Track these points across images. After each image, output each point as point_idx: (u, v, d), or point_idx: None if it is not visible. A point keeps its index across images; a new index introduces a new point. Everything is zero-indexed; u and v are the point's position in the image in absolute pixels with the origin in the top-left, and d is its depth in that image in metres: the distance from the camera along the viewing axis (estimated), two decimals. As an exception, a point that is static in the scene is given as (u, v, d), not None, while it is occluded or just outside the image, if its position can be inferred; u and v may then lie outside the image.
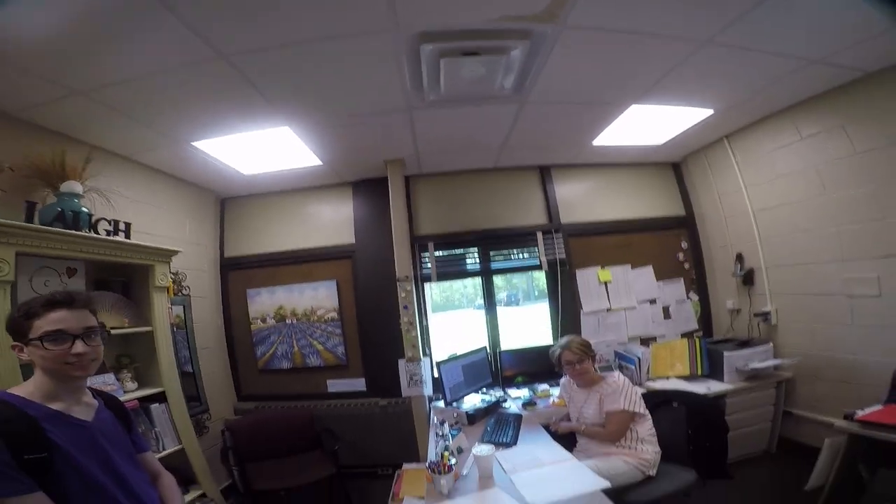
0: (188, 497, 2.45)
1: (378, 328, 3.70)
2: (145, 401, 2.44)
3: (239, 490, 3.09)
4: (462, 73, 2.17)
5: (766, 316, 3.39)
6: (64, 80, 2.02)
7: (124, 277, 2.61)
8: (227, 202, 4.05)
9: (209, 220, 3.90)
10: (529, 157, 3.83)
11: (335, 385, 3.78)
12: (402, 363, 3.27)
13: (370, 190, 3.85)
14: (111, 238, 2.37)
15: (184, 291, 3.38)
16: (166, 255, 2.68)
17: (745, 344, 3.31)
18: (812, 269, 3.05)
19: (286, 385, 3.82)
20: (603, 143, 3.50)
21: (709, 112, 3.05)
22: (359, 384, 3.76)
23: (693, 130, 3.37)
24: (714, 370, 3.26)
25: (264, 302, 3.87)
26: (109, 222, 2.41)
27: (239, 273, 3.95)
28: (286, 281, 3.89)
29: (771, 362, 3.14)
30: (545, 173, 4.03)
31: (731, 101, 2.92)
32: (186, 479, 2.55)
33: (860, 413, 2.14)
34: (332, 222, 3.97)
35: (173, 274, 3.21)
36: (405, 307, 3.32)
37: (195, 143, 2.86)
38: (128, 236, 2.49)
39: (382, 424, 3.59)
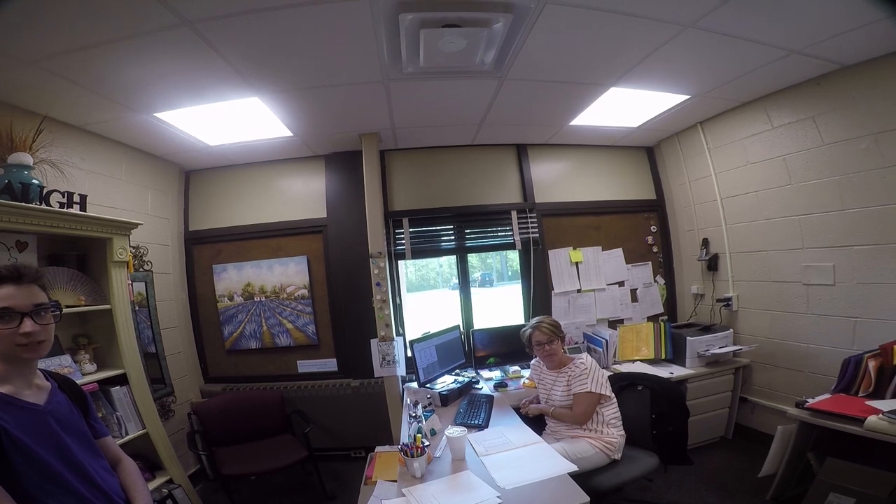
0: (154, 483, 2.40)
1: (350, 306, 3.65)
2: (105, 383, 2.34)
3: (207, 475, 3.05)
4: (442, 45, 2.09)
5: (727, 302, 3.53)
6: (8, 49, 1.85)
7: (80, 252, 2.47)
8: (193, 174, 3.85)
9: (173, 192, 3.69)
10: (507, 134, 3.79)
11: (306, 365, 3.74)
12: (374, 343, 3.24)
13: (343, 163, 3.73)
14: (64, 210, 2.21)
15: (145, 267, 3.22)
16: (125, 228, 2.53)
17: (707, 329, 3.44)
18: (773, 256, 3.17)
19: (255, 366, 3.75)
20: (580, 124, 3.49)
21: (685, 97, 3.07)
22: (330, 364, 3.73)
23: (668, 114, 3.39)
24: (677, 354, 3.37)
25: (231, 278, 3.75)
26: (63, 194, 2.26)
27: (205, 248, 3.80)
28: (254, 256, 3.77)
29: (730, 348, 3.28)
30: (522, 152, 4.00)
31: (708, 87, 2.93)
32: (152, 465, 2.50)
33: (811, 401, 2.25)
34: (303, 196, 3.85)
35: (133, 248, 3.05)
36: (378, 284, 3.28)
37: (158, 115, 2.69)
38: (83, 209, 2.34)
39: (355, 406, 3.57)
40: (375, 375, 3.30)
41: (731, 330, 3.42)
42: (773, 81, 2.86)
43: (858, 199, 2.60)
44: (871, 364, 2.24)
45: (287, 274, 3.75)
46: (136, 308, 2.90)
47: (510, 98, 2.90)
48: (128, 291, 2.57)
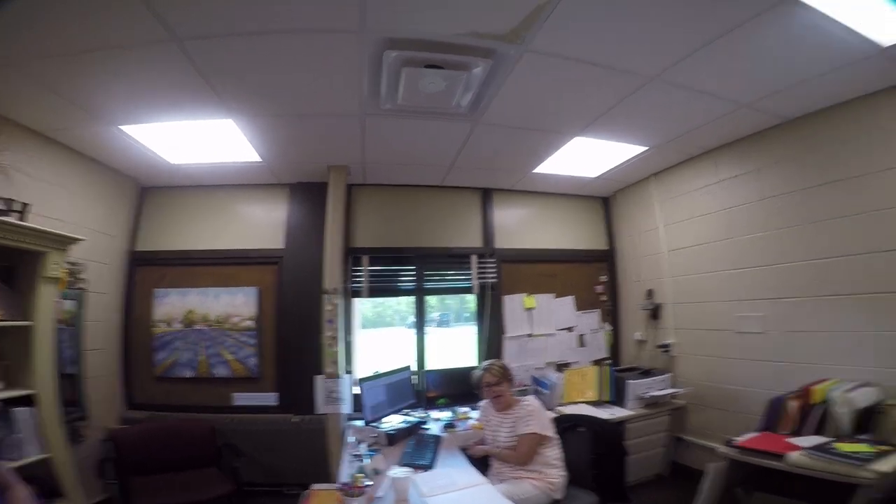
0: (50, 511, 2.14)
1: (299, 341, 3.52)
2: (11, 403, 2.13)
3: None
4: (422, 85, 2.19)
5: (667, 348, 3.67)
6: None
7: (7, 263, 2.31)
8: (149, 191, 3.75)
9: (125, 209, 3.57)
10: (475, 178, 3.92)
11: (243, 398, 3.54)
12: (319, 379, 3.14)
13: (308, 194, 3.73)
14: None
15: (79, 285, 3.03)
16: (64, 243, 2.42)
17: (647, 373, 3.57)
18: (710, 306, 3.36)
19: (186, 395, 3.51)
20: (544, 171, 3.65)
21: (643, 149, 3.24)
22: (270, 398, 3.55)
23: (626, 165, 3.57)
24: (619, 397, 3.46)
25: (173, 304, 3.58)
26: (3, 201, 2.16)
27: (149, 270, 3.64)
28: (202, 283, 3.64)
29: (668, 391, 3.41)
30: (487, 196, 4.14)
31: (665, 139, 3.11)
32: (50, 492, 2.23)
33: (738, 440, 2.31)
34: (262, 224, 3.80)
35: (70, 264, 2.87)
36: (330, 321, 3.21)
37: (124, 128, 2.65)
38: (23, 218, 2.23)
39: (293, 442, 3.40)
40: (318, 412, 3.16)
41: (670, 374, 3.55)
42: (723, 134, 3.05)
43: (787, 253, 2.82)
44: (793, 404, 2.38)
45: (234, 304, 3.63)
46: (62, 326, 2.69)
47: (481, 142, 3.02)
48: (54, 309, 2.41)
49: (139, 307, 3.56)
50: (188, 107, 2.44)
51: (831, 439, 2.14)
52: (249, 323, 3.60)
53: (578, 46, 2.01)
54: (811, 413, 2.32)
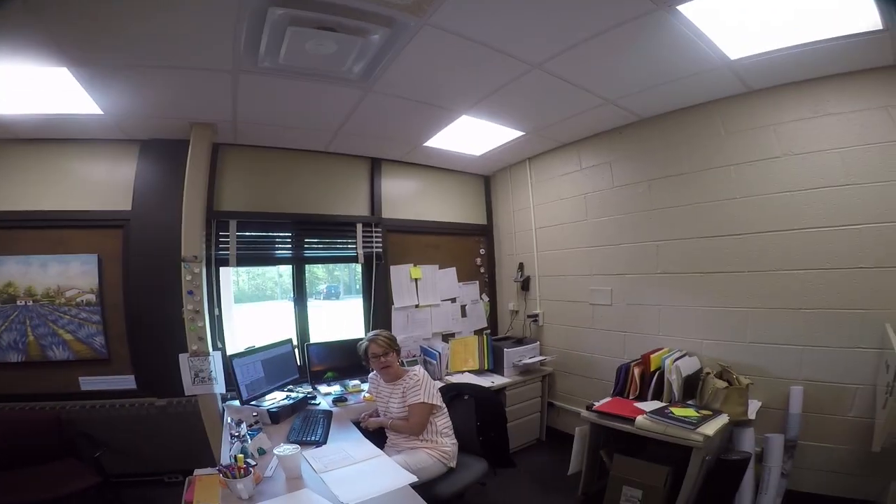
0: None
1: (154, 316, 3.10)
2: None
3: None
4: (310, 46, 2.01)
5: (536, 317, 4.12)
6: None
7: None
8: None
9: None
10: (363, 146, 3.77)
11: (92, 383, 3.06)
12: (184, 358, 2.86)
13: (165, 152, 3.20)
14: None
15: None
16: None
17: (519, 342, 3.95)
18: (570, 280, 3.82)
19: (15, 383, 2.93)
20: (434, 146, 3.67)
21: (521, 133, 3.45)
22: (126, 381, 3.11)
23: (506, 147, 3.77)
24: (497, 365, 3.76)
25: (-16, 275, 2.86)
26: None
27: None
28: (23, 250, 2.96)
29: (537, 358, 3.81)
30: (376, 166, 4.02)
31: (541, 126, 3.32)
32: None
33: (596, 404, 2.60)
34: (103, 183, 3.17)
35: None
36: (190, 293, 2.89)
37: None
38: None
39: (163, 427, 3.10)
40: (186, 394, 2.89)
41: (538, 342, 3.99)
42: (589, 127, 3.36)
43: (631, 235, 3.29)
44: (636, 371, 2.73)
45: (68, 275, 3.04)
46: None
47: (372, 111, 2.90)
48: None
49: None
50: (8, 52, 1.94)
51: (667, 404, 2.47)
52: (90, 297, 3.06)
53: (476, 26, 2.02)
54: (651, 379, 2.65)
